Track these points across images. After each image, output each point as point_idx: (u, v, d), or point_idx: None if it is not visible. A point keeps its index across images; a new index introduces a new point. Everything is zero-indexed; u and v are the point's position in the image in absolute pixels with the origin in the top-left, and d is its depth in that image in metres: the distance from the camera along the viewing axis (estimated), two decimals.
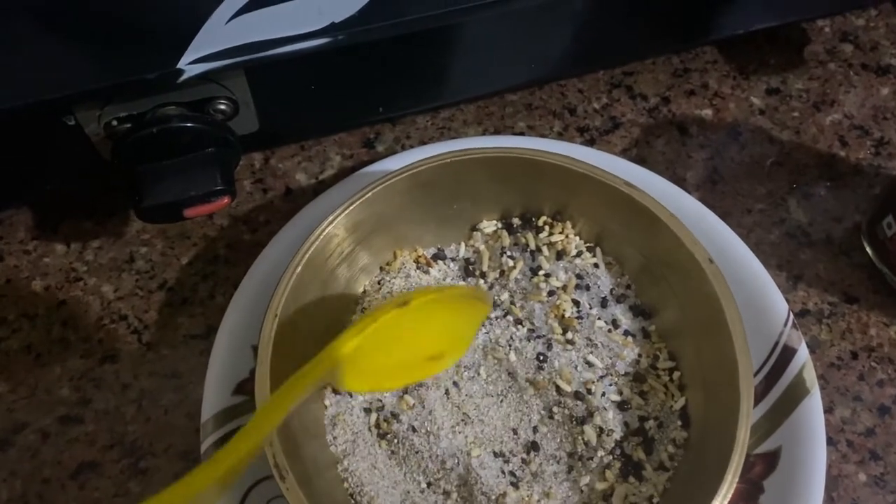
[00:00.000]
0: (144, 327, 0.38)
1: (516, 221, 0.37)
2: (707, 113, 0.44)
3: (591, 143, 0.43)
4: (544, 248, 0.36)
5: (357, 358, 0.26)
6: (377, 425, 0.33)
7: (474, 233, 0.37)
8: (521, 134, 0.43)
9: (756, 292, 0.36)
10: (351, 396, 0.34)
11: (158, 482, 0.35)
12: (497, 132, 0.43)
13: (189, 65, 0.30)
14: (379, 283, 0.36)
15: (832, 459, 0.36)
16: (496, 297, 0.36)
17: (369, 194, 0.33)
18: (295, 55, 0.31)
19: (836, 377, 0.37)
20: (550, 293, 0.35)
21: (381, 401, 0.34)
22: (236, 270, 0.39)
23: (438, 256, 0.37)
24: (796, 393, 0.34)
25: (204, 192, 0.33)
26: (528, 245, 0.36)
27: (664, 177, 0.39)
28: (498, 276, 0.36)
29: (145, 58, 0.30)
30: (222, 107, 0.34)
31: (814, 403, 0.34)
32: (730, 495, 0.28)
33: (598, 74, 0.45)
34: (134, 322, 0.39)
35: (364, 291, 0.36)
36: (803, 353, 0.35)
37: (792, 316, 0.35)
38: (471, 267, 0.37)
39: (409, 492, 0.32)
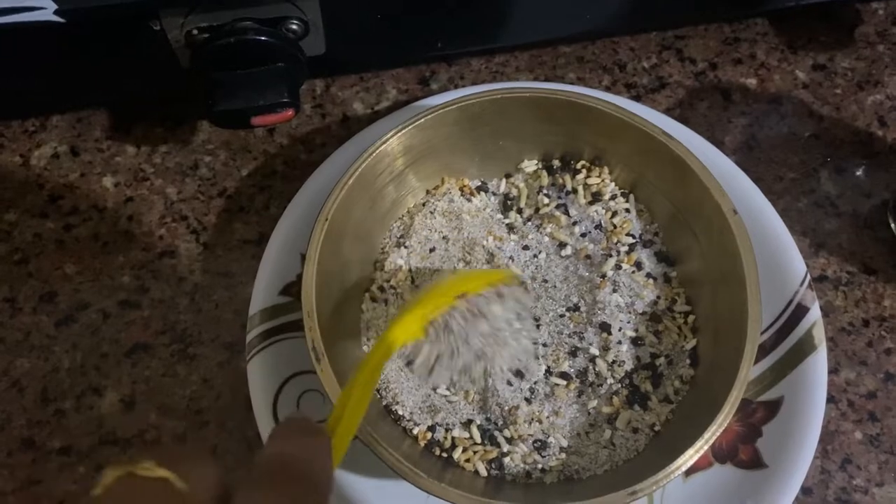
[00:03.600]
0: (203, 228, 0.41)
1: (556, 163, 0.39)
2: (752, 82, 0.46)
3: (637, 99, 0.45)
4: (580, 189, 0.38)
5: None
6: None
7: (516, 171, 0.40)
8: (571, 84, 0.45)
9: (777, 252, 0.38)
10: (385, 304, 0.37)
11: (203, 368, 0.38)
12: (548, 80, 0.45)
13: None
14: (423, 204, 0.39)
15: (831, 416, 0.38)
16: (530, 235, 0.38)
17: (422, 120, 0.36)
18: None
19: (845, 341, 0.39)
20: (583, 235, 0.38)
21: None
22: (291, 186, 0.42)
23: (481, 188, 0.40)
24: (804, 348, 0.37)
25: (271, 102, 0.35)
26: (564, 186, 0.38)
27: (704, 137, 0.41)
28: (533, 212, 0.39)
29: None
30: (294, 26, 0.36)
31: (819, 360, 0.36)
32: (725, 424, 0.31)
33: (651, 35, 0.47)
34: (193, 223, 0.42)
35: (408, 210, 0.39)
36: (815, 313, 0.37)
37: (809, 277, 0.37)
38: (509, 202, 0.39)
39: (429, 395, 0.35)
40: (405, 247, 0.38)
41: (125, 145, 0.44)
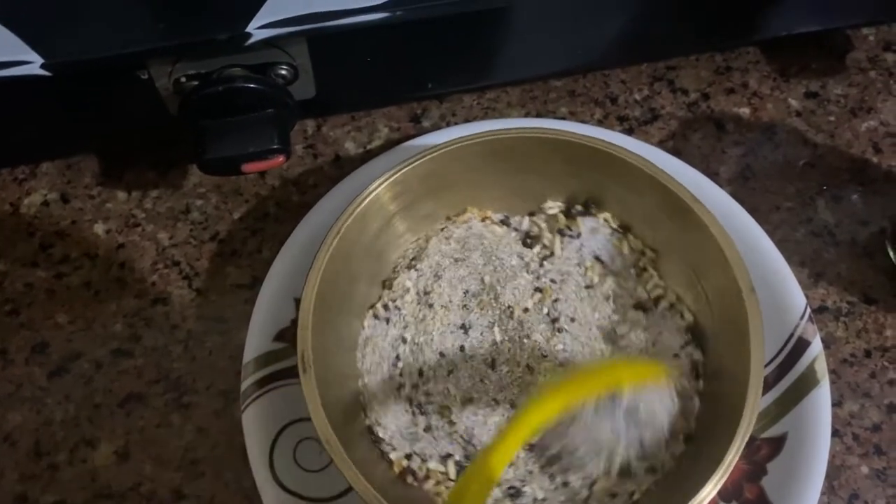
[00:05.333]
0: (195, 274, 0.41)
1: (578, 209, 0.38)
2: (745, 111, 0.46)
3: (629, 132, 0.45)
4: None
5: None
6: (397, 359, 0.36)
7: (539, 210, 0.39)
8: (563, 119, 0.45)
9: (776, 285, 0.38)
10: (388, 323, 0.37)
11: (198, 417, 0.38)
12: (539, 116, 0.45)
13: (257, 29, 0.32)
14: (442, 229, 0.39)
15: (836, 450, 0.37)
16: (550, 275, 0.38)
17: (447, 149, 0.36)
18: (356, 27, 0.33)
19: (848, 373, 0.39)
20: (588, 286, 0.37)
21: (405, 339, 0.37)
22: (284, 228, 0.41)
23: (504, 222, 0.39)
24: (806, 383, 0.36)
25: (262, 149, 0.35)
26: (580, 233, 0.38)
27: (698, 169, 0.41)
28: (549, 254, 0.38)
29: (218, 20, 0.33)
30: (283, 72, 0.36)
31: (822, 394, 0.36)
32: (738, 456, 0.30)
33: (642, 67, 0.47)
34: (186, 268, 0.41)
35: (425, 234, 0.39)
36: (817, 346, 0.37)
37: (809, 310, 0.37)
38: (528, 240, 0.39)
39: (415, 423, 0.35)
40: (416, 269, 0.38)
41: (116, 191, 0.43)
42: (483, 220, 0.39)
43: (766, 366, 0.36)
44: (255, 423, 0.35)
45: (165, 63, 0.35)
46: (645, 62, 0.47)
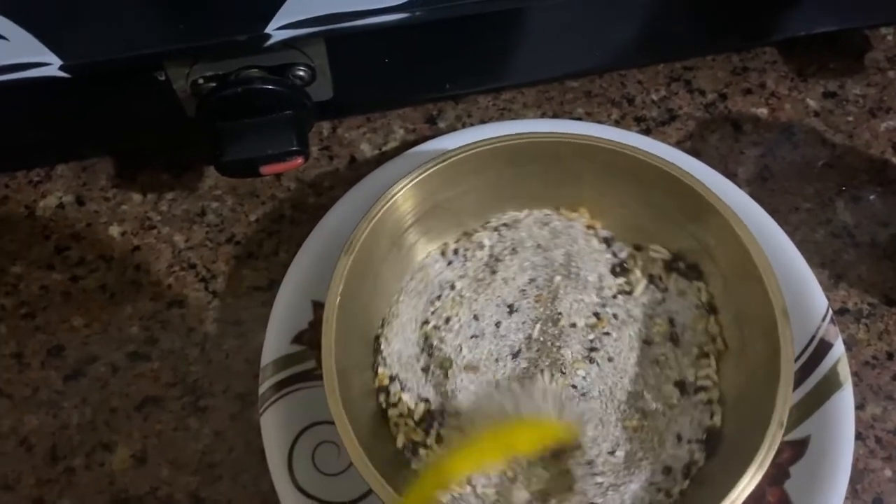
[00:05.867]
0: (212, 276, 0.41)
1: (681, 266, 0.37)
2: (762, 112, 0.45)
3: (646, 132, 0.44)
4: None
5: None
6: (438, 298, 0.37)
7: (644, 248, 0.38)
8: (579, 119, 0.45)
9: (797, 287, 0.37)
10: (448, 265, 0.38)
11: (216, 421, 0.38)
12: (556, 116, 0.45)
13: (276, 30, 0.32)
14: (545, 214, 0.39)
15: (860, 454, 0.37)
16: (616, 310, 0.37)
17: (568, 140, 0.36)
18: (375, 28, 0.33)
19: (870, 375, 0.38)
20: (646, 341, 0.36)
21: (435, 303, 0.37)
22: (300, 230, 0.41)
23: (606, 241, 0.38)
24: (829, 386, 0.36)
25: (280, 151, 0.35)
26: (667, 288, 0.37)
27: (716, 170, 0.41)
28: (627, 292, 0.37)
29: (237, 21, 0.32)
30: (301, 73, 0.36)
31: (845, 397, 0.35)
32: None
33: (658, 67, 0.47)
34: (202, 271, 0.41)
35: (529, 209, 0.39)
36: (839, 349, 0.36)
37: (831, 312, 0.37)
38: (618, 269, 0.38)
39: (418, 357, 0.36)
40: (499, 233, 0.38)
41: (131, 193, 0.43)
42: (588, 227, 0.38)
43: None
44: (273, 427, 0.35)
45: (183, 64, 0.34)
46: (662, 62, 0.47)
